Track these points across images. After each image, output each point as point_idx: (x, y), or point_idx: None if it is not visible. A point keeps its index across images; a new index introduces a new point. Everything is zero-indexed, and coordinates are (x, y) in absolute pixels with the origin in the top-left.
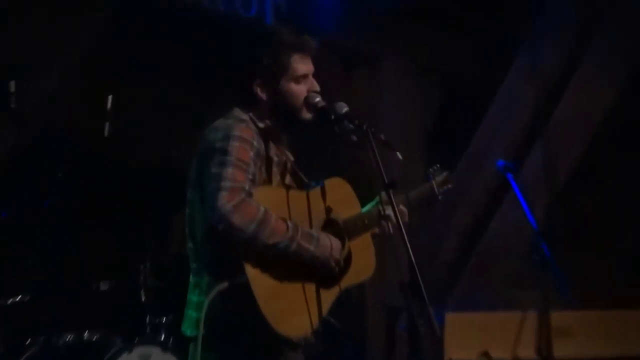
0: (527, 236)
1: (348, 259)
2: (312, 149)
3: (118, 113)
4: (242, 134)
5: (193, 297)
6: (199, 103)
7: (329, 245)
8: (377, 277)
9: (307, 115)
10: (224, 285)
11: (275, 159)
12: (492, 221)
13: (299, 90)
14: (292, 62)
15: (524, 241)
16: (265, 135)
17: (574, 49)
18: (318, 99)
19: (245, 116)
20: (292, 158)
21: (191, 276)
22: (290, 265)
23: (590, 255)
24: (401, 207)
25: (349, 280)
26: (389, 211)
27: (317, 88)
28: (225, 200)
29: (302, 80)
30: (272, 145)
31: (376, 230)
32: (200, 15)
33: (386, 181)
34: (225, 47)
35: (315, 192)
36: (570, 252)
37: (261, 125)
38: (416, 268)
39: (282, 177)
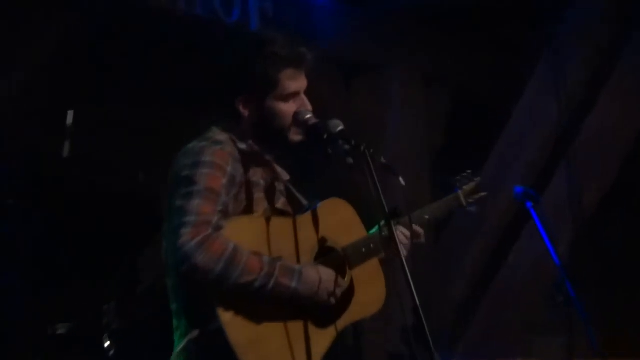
0: (548, 273)
1: (350, 291)
2: (307, 169)
3: (79, 131)
4: (213, 159)
5: (175, 341)
6: (173, 120)
7: (317, 279)
8: (377, 320)
9: (296, 137)
10: (194, 334)
11: (262, 182)
12: (508, 256)
13: (288, 109)
14: (283, 77)
15: (545, 279)
16: (248, 158)
17: (604, 57)
18: (309, 115)
19: (222, 136)
20: (287, 178)
21: (173, 318)
22: (272, 305)
23: (621, 296)
24: (415, 227)
25: (353, 315)
26: (399, 231)
27: (309, 107)
28: (187, 238)
29: (292, 98)
30: (256, 168)
31: (383, 255)
32: (177, 22)
33: (387, 210)
34: (205, 58)
35: (306, 218)
36: (599, 292)
37: (242, 146)
38: (420, 310)
39: (272, 201)
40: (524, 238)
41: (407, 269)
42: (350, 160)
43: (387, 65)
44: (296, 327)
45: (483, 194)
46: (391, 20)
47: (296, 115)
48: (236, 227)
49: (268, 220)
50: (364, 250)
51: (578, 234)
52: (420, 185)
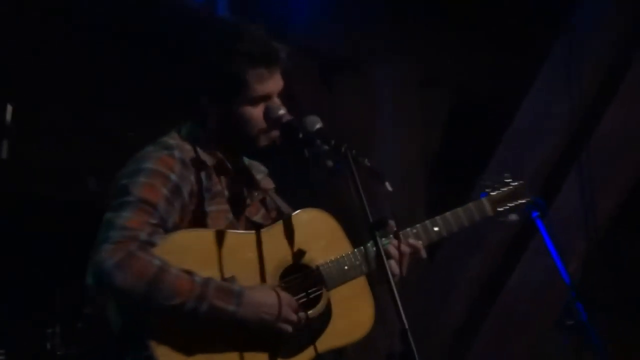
0: (557, 294)
1: (327, 315)
2: (282, 175)
3: (21, 130)
4: (156, 167)
5: None
6: (128, 120)
7: (262, 302)
8: (360, 346)
9: (264, 142)
10: None
11: (226, 193)
12: (512, 274)
13: (256, 114)
14: (251, 79)
15: (553, 301)
16: (207, 165)
17: (621, 52)
18: (282, 111)
19: (177, 141)
20: (270, 187)
21: None
22: (219, 330)
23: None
24: (411, 241)
25: (329, 343)
26: (391, 244)
27: (282, 112)
28: (106, 256)
29: (262, 102)
30: (219, 177)
31: (374, 274)
32: (133, 4)
33: (371, 220)
34: (165, 49)
35: (275, 231)
36: (614, 316)
37: (204, 152)
38: (409, 334)
39: (239, 213)
40: (529, 254)
41: (393, 285)
42: (330, 163)
43: (376, 62)
44: (254, 358)
45: (523, 200)
46: (381, 11)
47: (267, 111)
48: (178, 242)
49: (222, 234)
50: (346, 268)
51: (591, 249)
52: (414, 196)
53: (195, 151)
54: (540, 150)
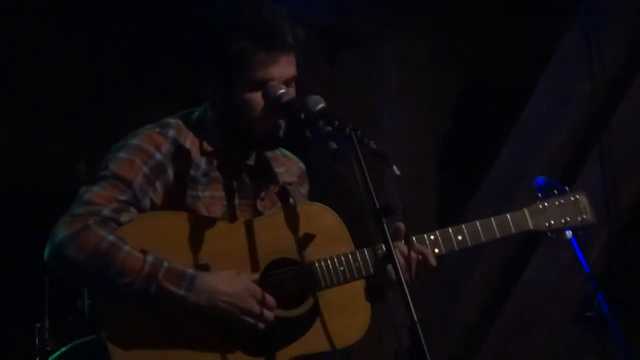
0: (575, 289)
1: (312, 316)
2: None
3: (5, 115)
4: (139, 142)
5: None
6: (123, 100)
7: (216, 289)
8: (366, 343)
9: (264, 129)
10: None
11: (229, 181)
12: (527, 267)
13: (256, 100)
14: (254, 62)
15: (573, 293)
16: (210, 150)
17: None
18: (282, 90)
19: (176, 121)
20: (291, 180)
21: None
22: (179, 317)
23: None
24: (419, 247)
25: (307, 346)
26: (398, 251)
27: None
28: (62, 227)
29: (263, 87)
30: (221, 163)
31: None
32: None
33: (377, 207)
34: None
35: (268, 222)
36: (638, 307)
37: (208, 137)
38: (419, 330)
39: (244, 203)
40: (545, 244)
41: (402, 278)
42: (333, 145)
43: (381, 36)
44: (213, 353)
45: (578, 218)
46: None
47: (266, 90)
48: (153, 223)
49: (205, 219)
50: (342, 268)
51: (612, 238)
52: (423, 181)
53: (199, 135)
54: (558, 133)
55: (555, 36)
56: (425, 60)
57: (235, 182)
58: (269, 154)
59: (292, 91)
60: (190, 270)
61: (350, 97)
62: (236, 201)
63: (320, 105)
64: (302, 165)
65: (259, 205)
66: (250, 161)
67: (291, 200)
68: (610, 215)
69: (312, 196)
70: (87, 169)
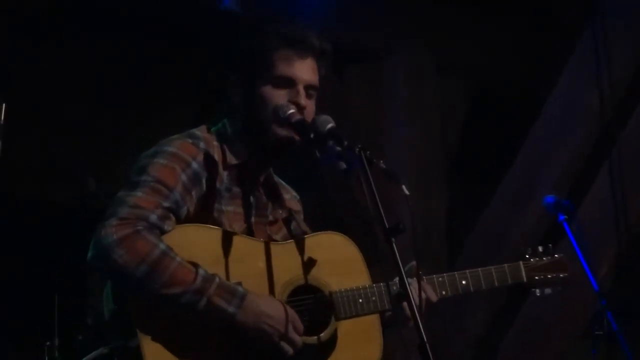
0: (585, 303)
1: (330, 346)
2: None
3: (13, 130)
4: (177, 150)
5: None
6: (128, 120)
7: (264, 312)
8: None
9: (280, 131)
10: (103, 350)
11: (246, 198)
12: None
13: (276, 96)
14: (277, 58)
15: (582, 309)
16: (233, 164)
17: None
18: (292, 110)
19: (203, 134)
20: (296, 208)
21: None
22: (210, 335)
23: None
24: (424, 283)
25: None
26: (414, 290)
27: (302, 102)
28: (111, 230)
29: (286, 85)
30: (240, 180)
31: (388, 314)
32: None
33: (387, 226)
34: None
35: (290, 247)
36: None
37: (229, 151)
38: (428, 347)
39: (256, 222)
40: None
41: (412, 296)
42: (343, 165)
43: (389, 50)
44: None
45: (562, 275)
46: None
47: (276, 110)
48: (189, 235)
49: (236, 237)
50: (360, 300)
51: (622, 254)
52: (433, 195)
53: (222, 148)
54: (568, 147)
55: (565, 51)
56: (434, 73)
57: (252, 200)
58: (275, 179)
59: (311, 105)
60: (241, 288)
61: (359, 110)
62: (253, 219)
63: (330, 125)
64: (295, 193)
65: (267, 229)
66: (265, 182)
67: (298, 228)
68: (620, 232)
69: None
70: (96, 184)
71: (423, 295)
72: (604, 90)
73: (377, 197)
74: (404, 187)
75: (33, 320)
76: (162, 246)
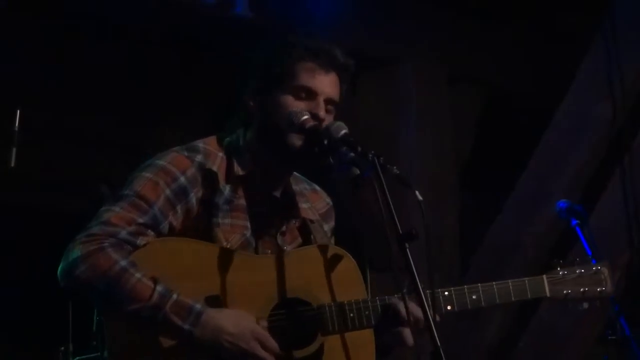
0: (599, 308)
1: (315, 359)
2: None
3: (28, 137)
4: (166, 164)
5: None
6: (142, 129)
7: (221, 328)
8: None
9: (296, 140)
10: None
11: (253, 210)
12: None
13: (295, 106)
14: (299, 69)
15: (595, 315)
16: (239, 176)
17: None
18: (306, 117)
19: (206, 146)
20: (314, 217)
21: None
22: (186, 351)
23: None
24: (412, 305)
25: None
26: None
27: (321, 114)
28: (78, 246)
29: (306, 96)
30: (247, 192)
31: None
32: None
33: (400, 232)
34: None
35: (284, 260)
36: None
37: (237, 163)
38: (442, 354)
39: (263, 234)
40: None
41: (425, 301)
42: (356, 170)
43: (401, 59)
44: None
45: (597, 289)
46: (407, 3)
47: (290, 116)
48: (168, 249)
49: (221, 251)
50: (352, 315)
51: (635, 260)
52: (445, 203)
53: (228, 161)
54: (580, 156)
55: (576, 59)
56: (446, 82)
57: (258, 212)
58: (296, 187)
59: (330, 118)
60: (198, 305)
61: (371, 119)
62: (256, 232)
63: (343, 132)
64: (329, 200)
65: (279, 239)
66: (277, 193)
67: (312, 237)
68: (632, 239)
69: (338, 223)
70: (110, 191)
71: (411, 317)
72: (615, 99)
73: (390, 202)
74: (417, 192)
75: (47, 326)
76: (123, 262)
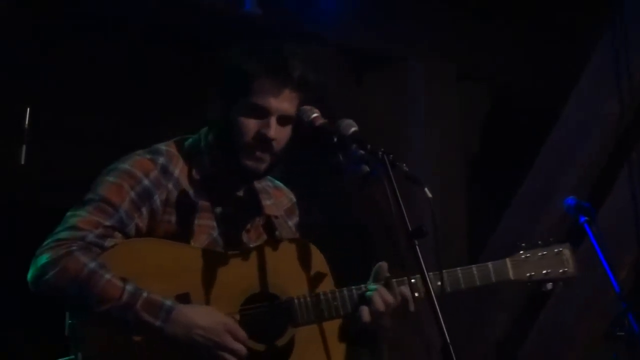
0: (607, 304)
1: (285, 353)
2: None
3: (38, 136)
4: (130, 168)
5: None
6: (150, 129)
7: (193, 322)
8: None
9: (248, 162)
10: None
11: (217, 210)
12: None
13: (247, 125)
14: (257, 85)
15: (603, 311)
16: (199, 179)
17: None
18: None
19: (168, 148)
20: (277, 213)
21: None
22: (159, 348)
23: None
24: (402, 289)
25: None
26: (378, 295)
27: (271, 134)
28: (47, 252)
29: (258, 115)
30: (210, 193)
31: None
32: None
33: (409, 229)
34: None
35: (250, 255)
36: None
37: (198, 165)
38: (451, 350)
39: (230, 234)
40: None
41: (434, 297)
42: (366, 168)
43: (409, 56)
44: None
45: (559, 270)
46: (413, 3)
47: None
48: (135, 249)
49: (188, 249)
50: (321, 306)
51: None
52: (453, 201)
53: (189, 163)
54: (588, 153)
55: (584, 57)
56: (454, 79)
57: (222, 212)
58: (259, 185)
59: (284, 131)
60: (168, 302)
61: (379, 117)
62: (222, 231)
63: (353, 129)
64: (292, 197)
65: (244, 236)
66: (240, 192)
67: (277, 233)
68: (639, 237)
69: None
70: None
71: (390, 299)
72: (623, 96)
73: (400, 199)
74: (426, 189)
75: (59, 330)
76: (91, 265)
